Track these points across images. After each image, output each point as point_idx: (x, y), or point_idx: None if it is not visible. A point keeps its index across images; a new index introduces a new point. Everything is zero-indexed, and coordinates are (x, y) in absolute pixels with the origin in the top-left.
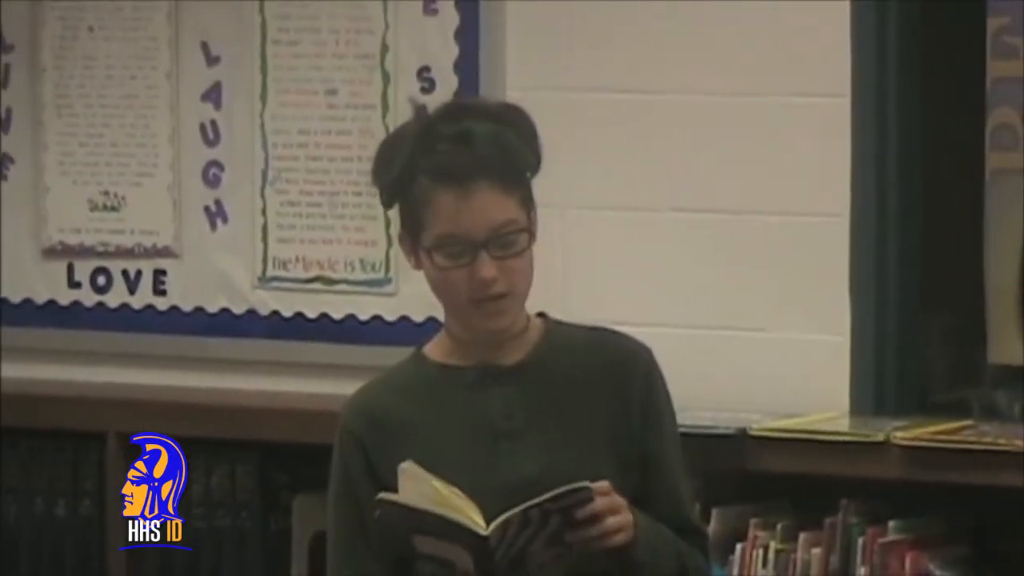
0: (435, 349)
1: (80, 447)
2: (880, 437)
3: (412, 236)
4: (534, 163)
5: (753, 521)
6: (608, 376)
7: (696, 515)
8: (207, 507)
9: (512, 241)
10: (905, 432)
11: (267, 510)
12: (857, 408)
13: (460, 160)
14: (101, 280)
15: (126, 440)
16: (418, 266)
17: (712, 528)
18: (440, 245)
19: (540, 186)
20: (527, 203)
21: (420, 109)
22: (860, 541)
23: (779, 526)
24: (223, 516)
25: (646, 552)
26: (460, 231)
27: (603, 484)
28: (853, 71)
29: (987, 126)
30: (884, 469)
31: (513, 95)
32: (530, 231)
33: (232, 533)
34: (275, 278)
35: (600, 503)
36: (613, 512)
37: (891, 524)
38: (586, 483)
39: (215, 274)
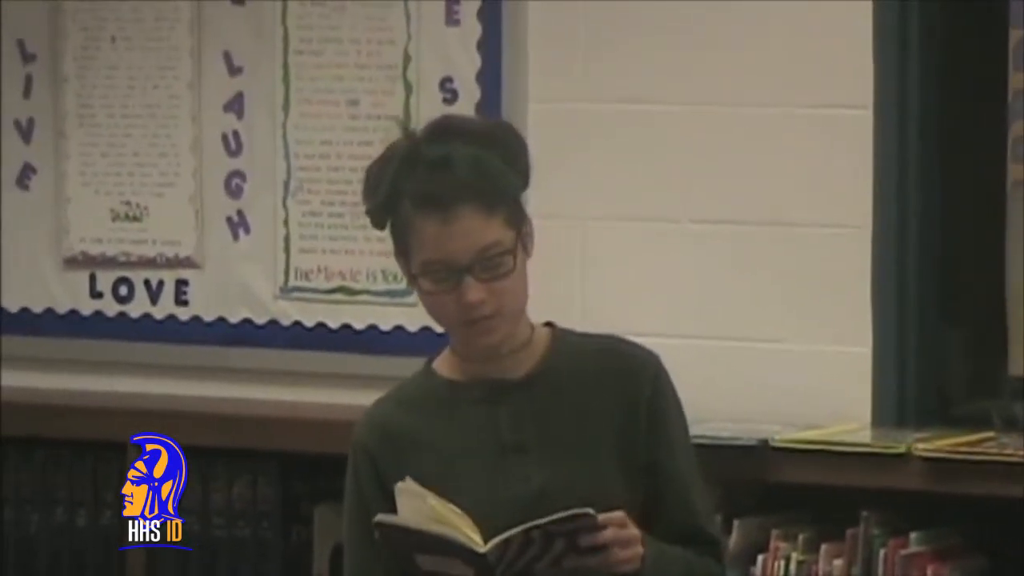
0: (443, 364)
1: (100, 457)
2: (901, 449)
3: (403, 259)
4: (520, 183)
5: (774, 532)
6: (615, 385)
7: (711, 523)
8: (228, 517)
9: (498, 263)
10: (926, 444)
11: (288, 520)
12: (879, 420)
13: (440, 186)
14: (123, 290)
15: None
16: (413, 287)
17: (733, 539)
18: (426, 271)
19: (560, 197)
20: (514, 222)
21: (406, 130)
22: (882, 553)
23: (800, 537)
24: (244, 526)
25: None
26: (444, 256)
27: (618, 515)
28: (876, 82)
29: (1008, 138)
30: (905, 481)
31: (535, 106)
32: (518, 250)
33: (253, 543)
34: (297, 288)
35: (608, 535)
36: (623, 545)
37: (912, 536)
38: (589, 510)
39: (237, 284)
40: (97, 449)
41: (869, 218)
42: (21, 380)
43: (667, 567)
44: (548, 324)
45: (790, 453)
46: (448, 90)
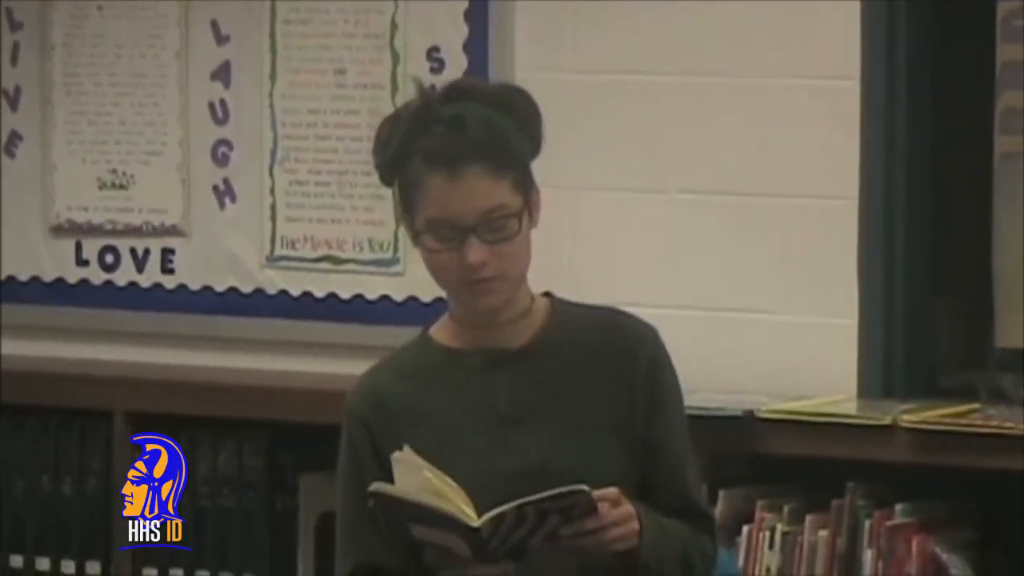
0: (441, 332)
1: (87, 425)
2: (887, 420)
3: (408, 216)
4: (531, 148)
5: (760, 503)
6: (613, 360)
7: (703, 498)
8: (213, 486)
9: (502, 226)
10: (912, 415)
11: (274, 490)
12: (865, 391)
13: (451, 144)
14: (109, 258)
15: (133, 419)
16: (416, 245)
17: (719, 510)
18: (430, 228)
19: (549, 167)
20: (522, 187)
21: (421, 89)
22: (867, 524)
23: (786, 508)
24: (229, 495)
25: (650, 556)
26: (449, 215)
27: (612, 492)
28: (863, 54)
29: (996, 110)
30: (891, 452)
31: (522, 76)
32: (524, 215)
33: (238, 512)
34: (283, 257)
35: (602, 516)
36: (617, 523)
37: (898, 507)
38: (583, 486)
39: (223, 253)
40: (83, 417)
41: (856, 190)
42: (6, 348)
43: (665, 542)
44: (547, 294)
45: (776, 424)
46: (435, 59)
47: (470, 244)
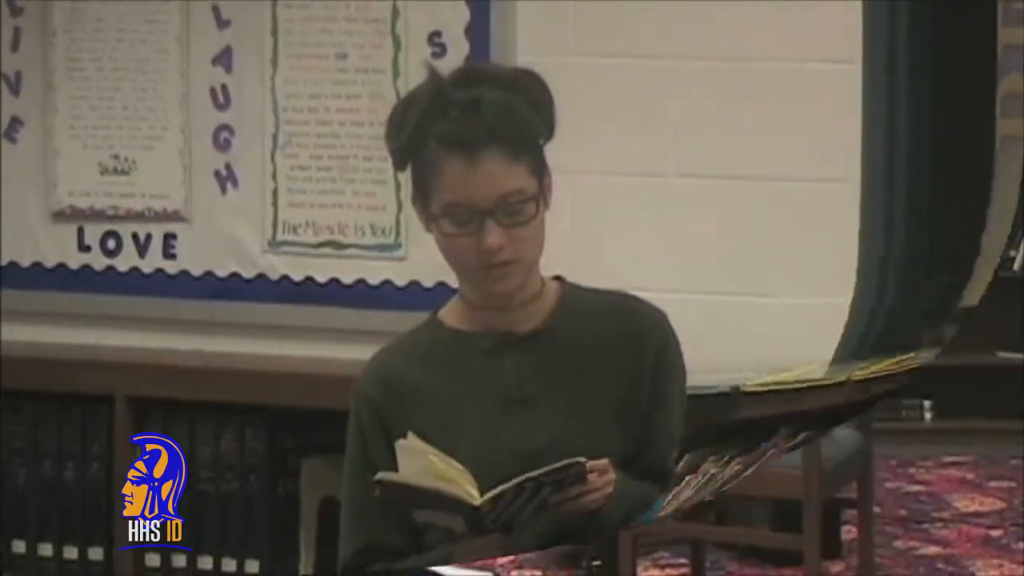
0: (450, 315)
1: (89, 411)
2: (843, 377)
3: (423, 200)
4: (546, 131)
5: (711, 459)
6: (622, 345)
7: (673, 459)
8: (215, 471)
9: (519, 210)
10: (863, 371)
11: (275, 474)
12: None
13: (468, 128)
14: (111, 244)
15: (135, 404)
16: (430, 229)
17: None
18: (447, 212)
19: (549, 150)
20: (537, 171)
21: (434, 73)
22: (771, 452)
23: (727, 457)
24: (231, 480)
25: (611, 515)
26: (467, 199)
27: (603, 462)
28: (864, 37)
29: (998, 93)
30: (840, 400)
31: (524, 59)
32: (540, 199)
33: (240, 497)
34: (285, 242)
35: (591, 482)
36: (599, 488)
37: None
38: (581, 459)
39: (225, 238)
40: (85, 402)
41: (857, 173)
42: (9, 334)
43: (624, 504)
44: (557, 278)
45: (757, 396)
46: (437, 44)
47: (488, 228)
